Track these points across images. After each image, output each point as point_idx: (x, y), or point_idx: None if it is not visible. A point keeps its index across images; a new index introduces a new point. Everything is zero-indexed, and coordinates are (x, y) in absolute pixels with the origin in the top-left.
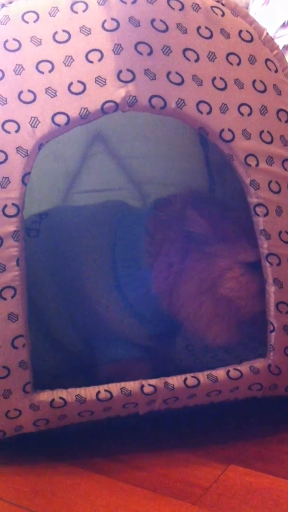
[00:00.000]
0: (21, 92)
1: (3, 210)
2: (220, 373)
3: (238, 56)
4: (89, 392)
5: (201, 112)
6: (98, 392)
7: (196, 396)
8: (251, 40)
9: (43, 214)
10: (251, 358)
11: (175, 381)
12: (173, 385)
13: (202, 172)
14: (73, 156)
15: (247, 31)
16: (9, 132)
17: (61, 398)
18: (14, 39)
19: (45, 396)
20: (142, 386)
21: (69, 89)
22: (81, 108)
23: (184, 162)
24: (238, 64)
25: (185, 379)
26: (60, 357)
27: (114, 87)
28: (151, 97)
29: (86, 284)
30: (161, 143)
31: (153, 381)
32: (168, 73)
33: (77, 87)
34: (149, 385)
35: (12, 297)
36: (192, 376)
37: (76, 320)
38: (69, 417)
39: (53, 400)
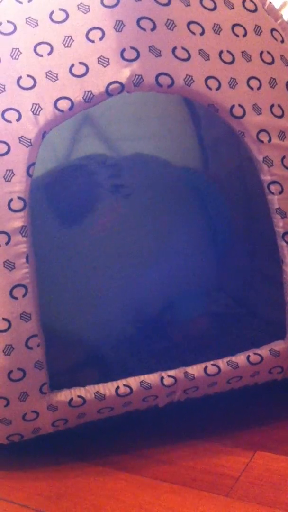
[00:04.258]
0: (20, 77)
1: (8, 205)
2: (240, 358)
3: (243, 27)
4: (108, 388)
5: (210, 88)
6: (118, 387)
7: (217, 384)
8: (255, 10)
9: None
10: None
11: (195, 370)
12: (194, 374)
13: (195, 150)
14: (61, 141)
15: (250, 0)
16: (10, 122)
17: (79, 396)
18: (9, 21)
19: (63, 395)
20: (162, 378)
21: (70, 72)
22: (85, 91)
23: (176, 141)
24: (244, 35)
25: (205, 367)
26: (74, 352)
27: (118, 66)
28: (157, 75)
29: None
30: (152, 123)
31: (172, 372)
32: (174, 49)
33: (79, 69)
34: (169, 376)
35: (24, 295)
36: (212, 364)
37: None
38: (88, 414)
39: (71, 399)
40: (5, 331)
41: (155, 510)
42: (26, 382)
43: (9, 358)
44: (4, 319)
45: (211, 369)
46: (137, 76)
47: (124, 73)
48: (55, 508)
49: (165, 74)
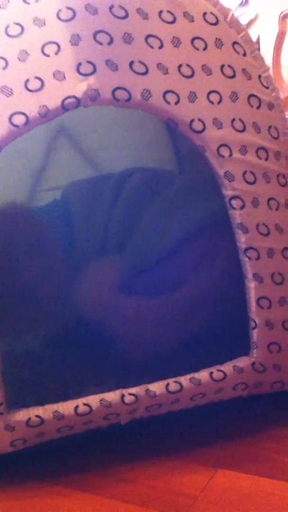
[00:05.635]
0: None
1: None
2: (203, 375)
3: (204, 41)
4: (67, 407)
5: (168, 103)
6: (77, 406)
7: (179, 401)
8: (216, 23)
9: None
10: None
11: (157, 387)
12: (155, 391)
13: (171, 160)
14: (36, 152)
15: (211, 13)
16: None
17: (37, 416)
18: None
19: (21, 415)
20: (123, 395)
21: (25, 86)
22: (40, 106)
23: (153, 151)
24: (204, 49)
25: (167, 384)
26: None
27: (74, 81)
28: (114, 90)
29: None
30: (128, 133)
31: (133, 390)
32: (131, 63)
33: (34, 84)
34: (130, 394)
35: None
36: (174, 381)
37: None
38: (47, 434)
39: (29, 419)
40: None
41: None
42: None
43: None
44: None
45: (173, 386)
46: (93, 91)
47: (80, 88)
48: None
49: (122, 88)
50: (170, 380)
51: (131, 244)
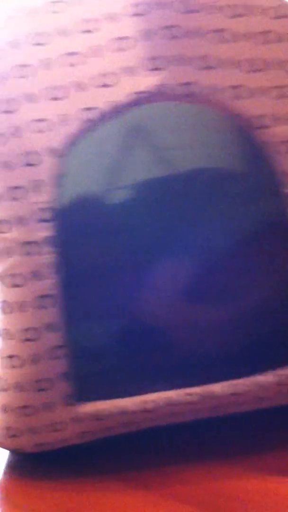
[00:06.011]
0: (50, 87)
1: (37, 215)
2: (267, 377)
3: (274, 34)
4: (133, 403)
5: (234, 98)
6: (143, 402)
7: (242, 403)
8: (286, 16)
9: None
10: None
11: (221, 388)
12: (219, 392)
13: (239, 159)
14: (111, 150)
15: (280, 6)
16: (40, 132)
17: (104, 410)
18: (41, 33)
19: (88, 407)
20: (187, 394)
21: (97, 82)
22: (111, 101)
23: (221, 150)
24: (274, 43)
25: (231, 385)
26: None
27: (143, 76)
28: (181, 85)
29: None
30: (199, 131)
31: (198, 389)
32: (199, 57)
33: (106, 79)
34: (194, 393)
35: (51, 306)
36: (238, 383)
37: None
38: (114, 428)
39: (96, 412)
40: (33, 340)
41: None
42: (52, 393)
43: (36, 367)
44: (32, 328)
45: (237, 388)
46: (161, 86)
47: (148, 83)
48: None
49: (189, 83)
50: (235, 381)
51: (194, 244)
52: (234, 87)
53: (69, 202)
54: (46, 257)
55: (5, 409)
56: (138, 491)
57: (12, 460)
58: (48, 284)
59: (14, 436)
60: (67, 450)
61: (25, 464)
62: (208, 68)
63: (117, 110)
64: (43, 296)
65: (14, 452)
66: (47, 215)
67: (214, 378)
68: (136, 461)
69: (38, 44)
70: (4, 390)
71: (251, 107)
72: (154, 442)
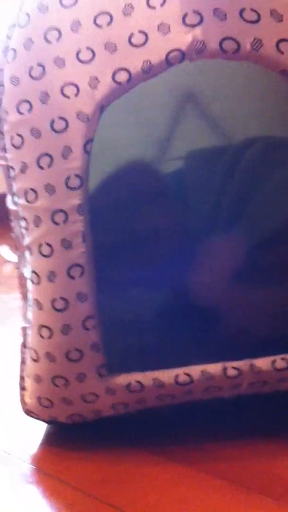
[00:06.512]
0: (79, 50)
1: (66, 182)
2: None
3: None
4: (167, 375)
5: (282, 53)
6: (177, 375)
7: (285, 380)
8: None
9: None
10: None
11: (262, 363)
12: (260, 367)
13: None
14: (162, 120)
15: None
16: (68, 97)
17: (137, 381)
18: None
19: (121, 379)
20: (225, 368)
21: (129, 42)
22: (143, 61)
23: (280, 119)
24: None
25: (274, 361)
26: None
27: (179, 33)
28: (222, 40)
29: None
30: (258, 100)
31: (237, 364)
32: (242, 11)
33: (138, 38)
34: (233, 367)
35: (80, 275)
36: (281, 359)
37: None
38: (148, 401)
39: (129, 383)
40: (62, 310)
41: (197, 505)
42: (83, 363)
43: (66, 337)
44: (61, 298)
45: (280, 364)
46: (199, 43)
47: (185, 40)
48: (97, 492)
49: (231, 38)
50: (277, 357)
51: (245, 218)
52: (279, 41)
53: (119, 168)
54: (75, 226)
55: (38, 379)
56: (177, 465)
57: (50, 432)
58: (77, 253)
59: (47, 406)
60: (103, 424)
61: (62, 436)
62: (250, 21)
63: (149, 72)
64: (71, 266)
65: (49, 423)
66: (76, 182)
67: (257, 353)
68: (178, 436)
69: (66, 6)
70: (36, 360)
71: None
72: (197, 418)
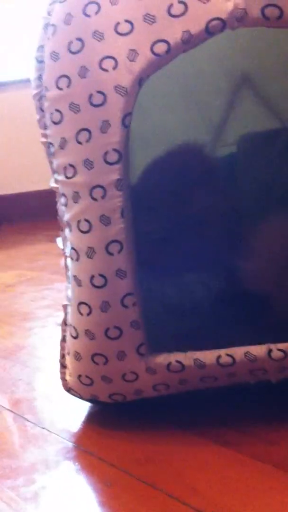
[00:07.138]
0: (117, 23)
1: (104, 157)
2: None
3: None
4: (209, 356)
5: None
6: (219, 356)
7: None
8: None
9: None
10: None
11: None
12: None
13: None
14: (217, 105)
15: None
16: (106, 70)
17: (178, 361)
18: None
19: (161, 358)
20: (270, 350)
21: (168, 12)
22: (183, 31)
23: None
24: None
25: None
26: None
27: (219, 1)
28: (263, 7)
29: None
30: None
31: (283, 345)
32: None
33: (177, 8)
34: (278, 349)
35: (119, 252)
36: None
37: None
38: (190, 382)
39: (169, 363)
40: (101, 287)
41: (237, 487)
42: (122, 341)
43: (105, 315)
44: (100, 275)
45: None
46: (240, 10)
47: (225, 8)
48: (139, 472)
49: (273, 5)
50: None
51: None
52: None
53: (169, 150)
54: (113, 201)
55: (78, 357)
56: (215, 447)
57: (92, 412)
58: (116, 229)
59: (87, 384)
60: (144, 405)
61: (104, 416)
62: None
63: (189, 42)
64: (110, 242)
65: (90, 401)
66: (114, 157)
67: None
68: (220, 419)
69: None
70: (76, 337)
71: None
72: (241, 401)
